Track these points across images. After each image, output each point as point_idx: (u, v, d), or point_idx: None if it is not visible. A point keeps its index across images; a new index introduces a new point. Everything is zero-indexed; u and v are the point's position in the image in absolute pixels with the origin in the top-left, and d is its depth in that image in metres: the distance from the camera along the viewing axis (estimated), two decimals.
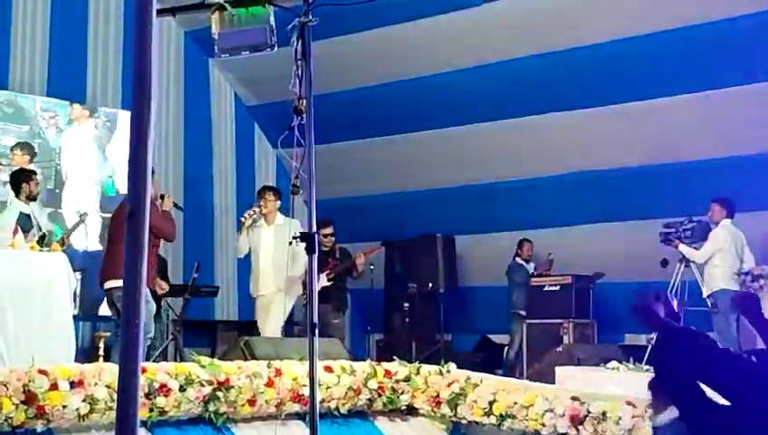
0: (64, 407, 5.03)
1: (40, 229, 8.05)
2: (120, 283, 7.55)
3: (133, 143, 3.05)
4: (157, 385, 5.49)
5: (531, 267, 11.42)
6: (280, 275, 8.76)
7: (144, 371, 5.51)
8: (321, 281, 10.29)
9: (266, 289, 8.98)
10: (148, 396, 5.44)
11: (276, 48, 4.37)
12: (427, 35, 10.52)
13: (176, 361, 7.85)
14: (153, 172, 8.55)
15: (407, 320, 11.60)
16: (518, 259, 11.42)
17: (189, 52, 12.05)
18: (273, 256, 8.90)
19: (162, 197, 8.43)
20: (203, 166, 12.29)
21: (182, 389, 5.59)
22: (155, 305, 8.37)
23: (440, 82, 10.90)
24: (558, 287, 10.82)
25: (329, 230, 10.60)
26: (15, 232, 7.49)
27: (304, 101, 4.17)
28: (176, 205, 8.64)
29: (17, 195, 8.22)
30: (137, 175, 3.04)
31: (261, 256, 8.97)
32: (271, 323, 8.91)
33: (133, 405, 2.63)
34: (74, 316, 7.09)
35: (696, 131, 9.93)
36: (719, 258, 9.16)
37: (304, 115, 4.20)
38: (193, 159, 12.18)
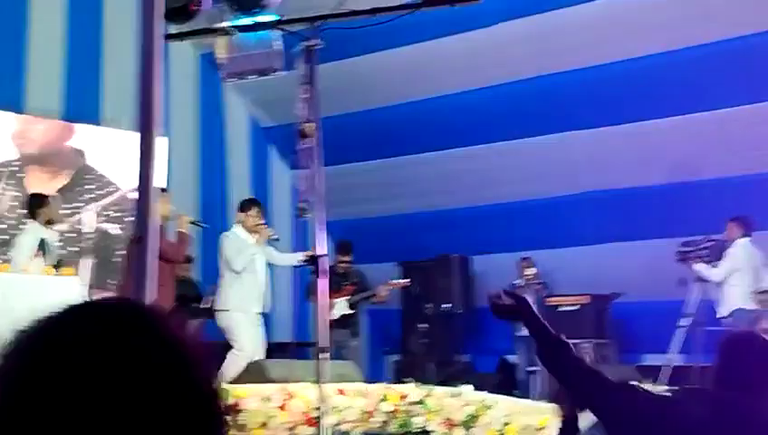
0: None
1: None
2: None
3: (142, 167, 3.04)
4: None
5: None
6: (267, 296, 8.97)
7: None
8: (341, 308, 10.26)
9: (258, 307, 8.89)
10: None
11: (283, 72, 4.38)
12: (439, 56, 10.53)
13: None
14: (165, 190, 8.50)
15: (424, 341, 11.55)
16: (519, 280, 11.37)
17: (204, 74, 12.08)
18: (266, 274, 8.99)
19: (179, 217, 8.35)
20: (218, 188, 12.31)
21: None
22: None
23: (454, 103, 10.89)
24: (576, 307, 10.76)
25: (347, 258, 10.59)
26: (37, 256, 7.51)
27: (311, 124, 4.16)
28: (194, 222, 8.53)
29: (34, 218, 8.26)
30: (144, 199, 3.03)
31: (257, 274, 8.84)
32: (260, 346, 8.90)
33: None
34: None
35: (714, 150, 9.87)
36: (736, 277, 9.10)
37: (311, 138, 4.19)
38: (208, 181, 12.21)
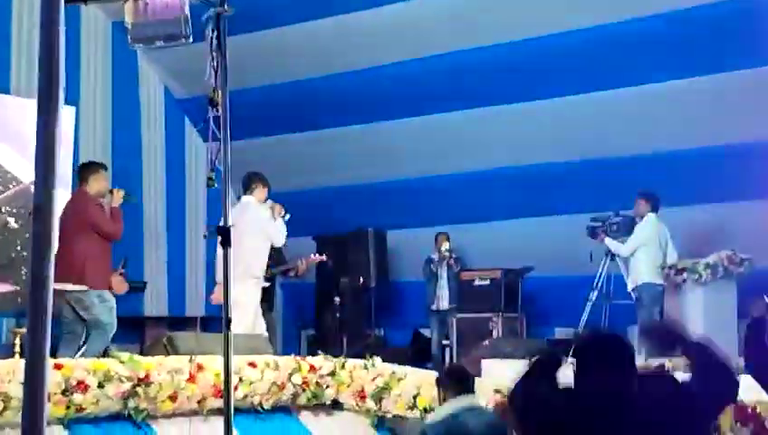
0: None
1: None
2: (69, 286, 7.51)
3: (41, 135, 2.97)
4: (74, 382, 5.40)
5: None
6: None
7: (61, 367, 5.43)
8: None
9: None
10: (65, 393, 5.35)
11: (193, 40, 4.32)
12: (354, 31, 10.50)
13: (103, 357, 7.72)
14: (105, 167, 8.34)
15: (338, 315, 11.57)
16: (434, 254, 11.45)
17: (117, 43, 11.82)
18: None
19: (111, 192, 8.10)
20: (132, 159, 12.10)
21: (100, 385, 5.52)
22: (113, 301, 7.90)
23: (370, 77, 10.89)
24: (487, 281, 10.87)
25: None
26: None
27: (219, 92, 4.11)
28: (126, 197, 8.32)
29: None
30: (44, 167, 2.96)
31: None
32: None
33: (41, 403, 2.57)
34: None
35: (623, 127, 10.05)
36: (643, 252, 9.27)
37: (220, 107, 4.14)
38: (122, 152, 11.98)
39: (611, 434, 3.35)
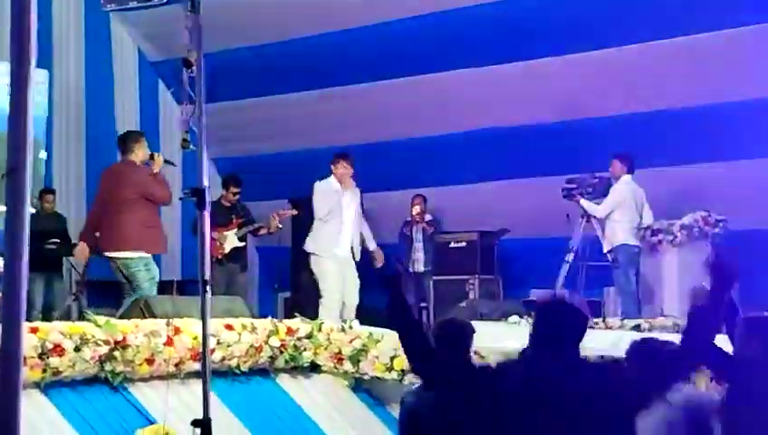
0: None
1: None
2: (118, 253, 7.63)
3: (14, 95, 2.93)
4: (50, 345, 5.38)
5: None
6: (354, 240, 9.36)
7: (37, 330, 5.40)
8: (232, 240, 10.32)
9: (345, 251, 9.28)
10: (41, 356, 5.32)
11: (168, 3, 4.27)
12: None
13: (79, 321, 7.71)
14: (142, 134, 8.49)
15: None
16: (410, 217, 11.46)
17: (89, 5, 11.71)
18: (355, 221, 9.39)
19: (152, 156, 8.17)
20: (106, 123, 12.01)
21: (77, 349, 5.49)
22: (156, 272, 8.05)
23: (346, 40, 10.82)
24: (464, 244, 10.88)
25: (235, 190, 10.63)
26: None
27: (194, 52, 4.07)
28: (167, 161, 8.35)
29: None
30: (17, 129, 2.92)
31: (344, 219, 9.28)
32: (353, 288, 9.32)
33: (16, 366, 2.56)
34: None
35: (598, 89, 10.03)
36: (619, 213, 9.30)
37: (194, 68, 4.10)
38: (95, 116, 11.90)
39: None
